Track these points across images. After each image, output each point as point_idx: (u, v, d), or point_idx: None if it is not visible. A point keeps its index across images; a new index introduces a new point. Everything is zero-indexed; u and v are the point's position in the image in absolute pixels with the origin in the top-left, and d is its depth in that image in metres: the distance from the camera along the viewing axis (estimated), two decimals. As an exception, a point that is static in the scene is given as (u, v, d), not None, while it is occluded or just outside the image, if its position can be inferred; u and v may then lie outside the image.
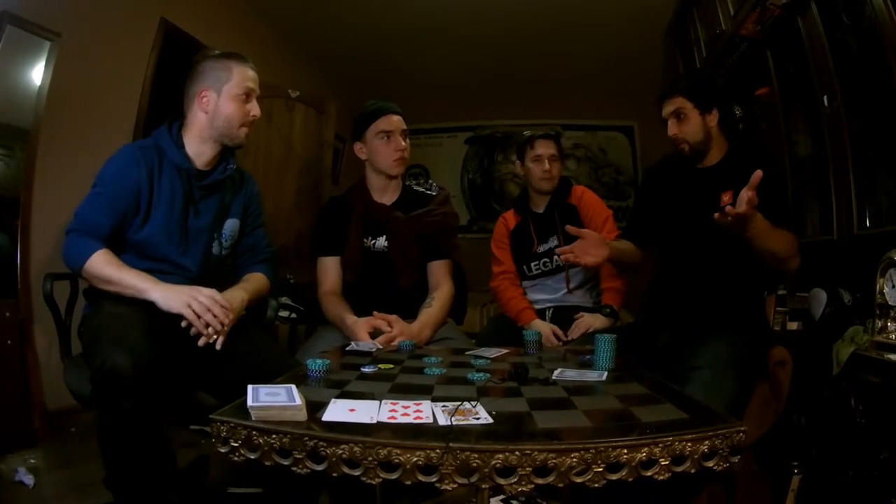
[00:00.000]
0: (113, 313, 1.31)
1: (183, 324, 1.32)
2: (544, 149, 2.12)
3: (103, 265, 1.35)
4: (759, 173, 1.27)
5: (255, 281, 1.58)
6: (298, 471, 0.78)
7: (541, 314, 2.11)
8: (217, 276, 1.54)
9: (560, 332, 1.98)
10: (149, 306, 1.38)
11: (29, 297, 2.14)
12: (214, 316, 1.33)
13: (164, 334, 1.30)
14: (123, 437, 1.17)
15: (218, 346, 1.34)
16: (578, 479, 0.75)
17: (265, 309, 1.72)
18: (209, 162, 1.54)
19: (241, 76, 1.51)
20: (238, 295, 1.46)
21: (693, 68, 3.00)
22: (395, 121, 1.82)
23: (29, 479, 1.73)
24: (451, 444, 0.74)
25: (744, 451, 0.82)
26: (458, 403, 0.88)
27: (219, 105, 1.49)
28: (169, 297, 1.33)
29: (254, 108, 1.53)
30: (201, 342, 1.33)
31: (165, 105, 2.67)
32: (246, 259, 1.66)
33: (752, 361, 1.42)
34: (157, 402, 1.20)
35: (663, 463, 0.76)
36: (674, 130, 1.64)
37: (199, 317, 1.32)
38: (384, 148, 1.82)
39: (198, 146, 1.52)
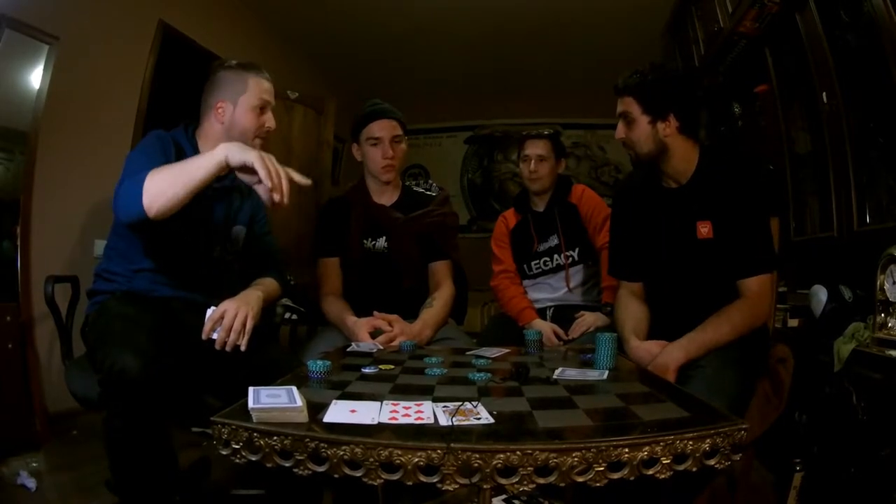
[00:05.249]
0: (120, 314, 1.30)
1: (204, 336, 1.32)
2: (531, 149, 2.14)
3: (159, 175, 1.22)
4: None
5: (267, 285, 1.58)
6: (300, 472, 0.78)
7: (541, 313, 2.11)
8: (219, 279, 1.54)
9: (561, 332, 1.98)
10: (156, 306, 1.38)
11: (29, 300, 2.14)
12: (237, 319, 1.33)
13: (171, 335, 1.29)
14: (130, 439, 1.17)
15: (243, 348, 1.33)
16: (580, 479, 0.75)
17: (272, 313, 1.71)
18: None
19: (257, 88, 1.51)
20: (255, 294, 1.46)
21: (691, 66, 3.00)
22: (386, 126, 1.81)
23: (31, 483, 1.73)
24: (452, 445, 0.73)
25: (745, 449, 0.82)
26: (459, 403, 0.87)
27: (234, 117, 1.50)
28: (236, 148, 1.23)
29: (269, 120, 1.54)
30: (228, 346, 1.32)
31: (165, 107, 2.68)
32: (256, 265, 1.66)
33: (752, 359, 1.42)
34: (165, 405, 1.20)
35: (665, 461, 0.76)
36: (620, 134, 1.49)
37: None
38: (374, 154, 1.82)
39: None
